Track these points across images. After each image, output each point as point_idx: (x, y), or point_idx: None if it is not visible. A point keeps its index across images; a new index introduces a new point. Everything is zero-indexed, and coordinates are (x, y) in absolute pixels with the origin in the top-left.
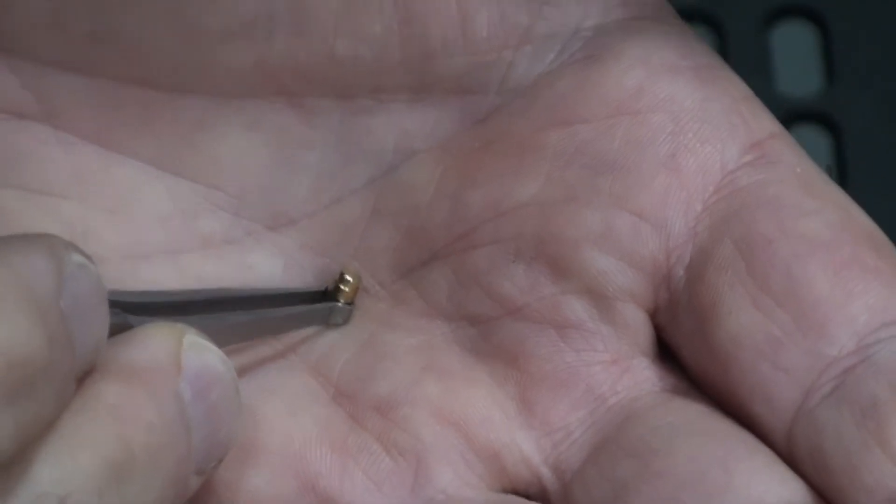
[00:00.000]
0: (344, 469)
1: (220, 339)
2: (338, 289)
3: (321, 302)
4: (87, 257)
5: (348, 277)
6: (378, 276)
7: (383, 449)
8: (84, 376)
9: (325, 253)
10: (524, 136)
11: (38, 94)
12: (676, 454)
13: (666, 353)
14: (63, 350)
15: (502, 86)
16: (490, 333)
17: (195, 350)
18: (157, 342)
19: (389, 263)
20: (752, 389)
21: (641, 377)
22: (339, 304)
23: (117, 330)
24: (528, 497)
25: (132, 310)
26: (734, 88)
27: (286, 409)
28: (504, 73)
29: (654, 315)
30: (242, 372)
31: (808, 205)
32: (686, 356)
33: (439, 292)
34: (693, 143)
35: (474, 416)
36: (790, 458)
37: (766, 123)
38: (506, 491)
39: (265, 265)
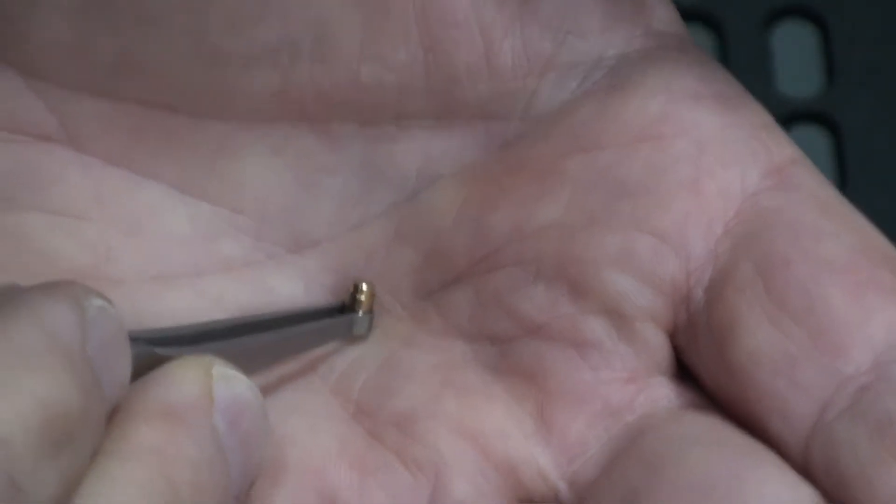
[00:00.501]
0: (363, 485)
1: (246, 364)
2: (354, 300)
3: (339, 316)
4: (107, 300)
5: (363, 287)
6: (400, 297)
7: (402, 464)
8: (112, 415)
9: (346, 276)
10: (546, 161)
11: (62, 117)
12: (688, 463)
13: (685, 374)
14: (95, 396)
15: (526, 113)
16: (509, 352)
17: (224, 381)
18: (187, 378)
19: (411, 285)
20: (769, 406)
21: (659, 395)
22: (360, 315)
23: (146, 363)
24: None
25: (157, 342)
26: (755, 116)
27: (306, 427)
28: (527, 100)
29: (673, 336)
30: (263, 392)
31: (827, 227)
32: (704, 375)
33: (460, 313)
34: (714, 167)
35: (492, 431)
36: (806, 473)
37: (786, 150)
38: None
39: (286, 288)
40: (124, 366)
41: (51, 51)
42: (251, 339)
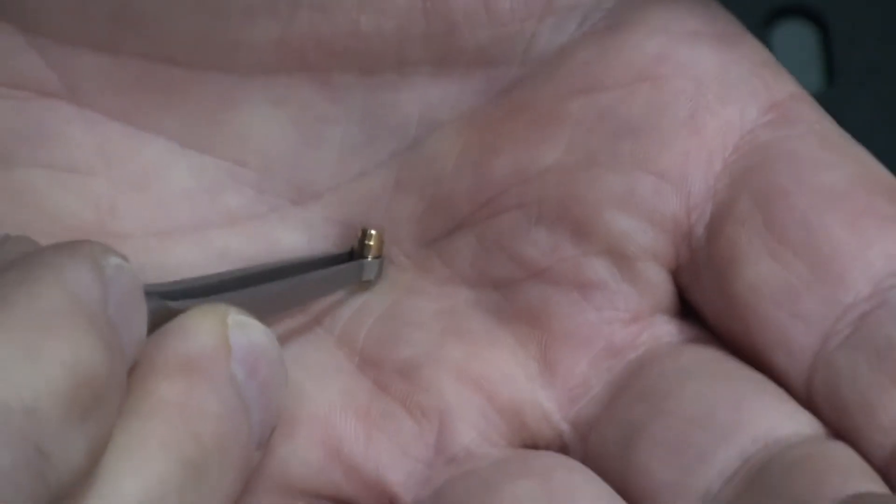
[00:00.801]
0: (369, 435)
1: (258, 314)
2: (363, 245)
3: (349, 262)
4: (123, 257)
5: (372, 232)
6: (403, 246)
7: (407, 412)
8: (131, 371)
9: (349, 226)
10: (547, 104)
11: (63, 72)
12: (686, 395)
13: (689, 313)
14: (118, 357)
15: (525, 57)
16: (513, 296)
17: (240, 328)
18: (203, 328)
19: (414, 233)
20: (771, 338)
21: (661, 332)
22: (369, 260)
23: (159, 316)
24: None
25: (170, 295)
26: (754, 53)
27: (311, 379)
28: (527, 44)
29: (675, 274)
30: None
31: (825, 158)
32: (707, 312)
33: (463, 259)
34: (713, 104)
35: (496, 375)
36: (809, 404)
37: (786, 86)
38: (527, 447)
39: (290, 239)
40: (141, 322)
41: (49, 5)
42: (263, 290)
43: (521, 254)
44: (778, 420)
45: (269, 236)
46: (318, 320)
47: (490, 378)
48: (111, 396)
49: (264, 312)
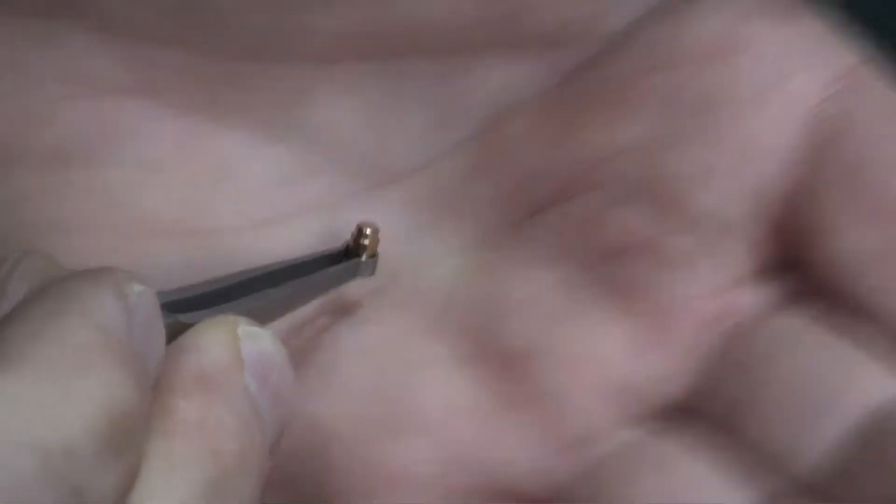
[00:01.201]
0: (484, 429)
1: (261, 317)
2: (359, 244)
3: (345, 259)
4: (144, 284)
5: (367, 231)
6: (483, 229)
7: (520, 401)
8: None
9: (428, 211)
10: (619, 83)
11: (135, 69)
12: (791, 362)
13: (774, 284)
14: (145, 386)
15: (595, 36)
16: (599, 276)
17: (250, 339)
18: (216, 342)
19: (494, 216)
20: (864, 305)
21: (751, 303)
22: (363, 259)
23: (171, 330)
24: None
25: (180, 308)
26: (819, 23)
27: (417, 374)
28: (596, 23)
29: (761, 245)
30: (379, 354)
31: None
32: (795, 282)
33: (547, 241)
34: (785, 76)
35: (600, 354)
36: None
37: (851, 55)
38: (640, 421)
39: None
40: (160, 344)
41: (119, 2)
42: (265, 295)
43: (605, 233)
44: (886, 383)
45: (350, 223)
46: (413, 311)
47: (595, 358)
48: (141, 428)
49: (266, 317)
